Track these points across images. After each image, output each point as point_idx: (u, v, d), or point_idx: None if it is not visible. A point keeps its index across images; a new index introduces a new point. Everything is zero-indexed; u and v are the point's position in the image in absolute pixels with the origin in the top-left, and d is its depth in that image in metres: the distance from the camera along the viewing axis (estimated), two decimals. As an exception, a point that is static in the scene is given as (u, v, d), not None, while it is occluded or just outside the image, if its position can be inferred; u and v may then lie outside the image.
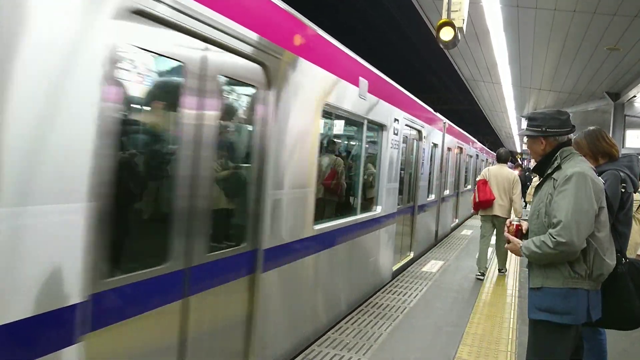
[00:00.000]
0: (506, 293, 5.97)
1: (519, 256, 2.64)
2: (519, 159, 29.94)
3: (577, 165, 2.45)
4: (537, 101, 15.36)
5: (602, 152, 3.07)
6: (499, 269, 6.96)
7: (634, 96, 11.42)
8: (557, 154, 2.56)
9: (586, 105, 13.74)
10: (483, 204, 6.64)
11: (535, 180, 10.17)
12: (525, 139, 3.33)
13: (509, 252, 6.86)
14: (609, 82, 11.40)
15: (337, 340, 4.12)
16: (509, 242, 2.68)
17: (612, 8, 6.69)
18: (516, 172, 7.88)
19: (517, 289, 6.20)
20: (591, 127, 3.23)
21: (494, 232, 6.75)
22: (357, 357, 3.81)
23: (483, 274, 6.67)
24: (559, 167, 2.51)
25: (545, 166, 2.61)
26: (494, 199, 6.57)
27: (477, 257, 6.80)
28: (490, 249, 6.98)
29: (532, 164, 3.16)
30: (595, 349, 3.20)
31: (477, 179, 6.98)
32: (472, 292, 5.95)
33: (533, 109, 17.66)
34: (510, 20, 7.75)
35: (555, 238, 2.31)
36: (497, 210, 6.58)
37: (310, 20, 3.72)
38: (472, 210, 7.54)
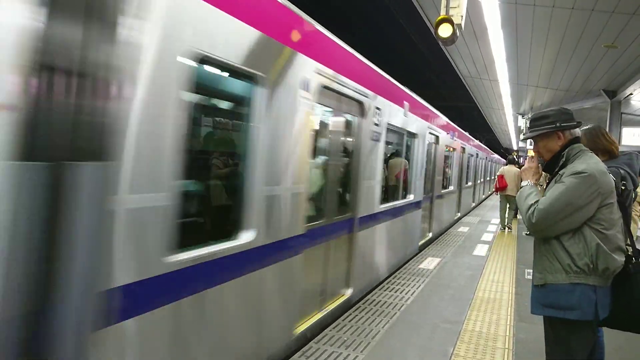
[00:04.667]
0: (503, 290, 5.98)
1: (534, 173, 2.71)
2: (514, 157, 29.84)
3: (584, 163, 2.42)
4: (533, 98, 15.37)
5: (601, 149, 3.05)
6: (507, 226, 11.51)
7: (631, 94, 11.46)
8: (565, 151, 2.53)
9: (582, 102, 13.77)
10: (502, 189, 11.46)
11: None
12: (529, 142, 3.31)
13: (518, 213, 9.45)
14: (606, 79, 11.42)
15: (335, 338, 4.12)
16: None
17: (610, 5, 6.69)
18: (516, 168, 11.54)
19: (514, 286, 6.22)
20: (590, 125, 3.21)
21: (507, 205, 11.57)
22: (355, 355, 3.80)
23: (506, 227, 11.49)
24: (564, 165, 2.49)
25: (555, 164, 2.57)
26: (507, 185, 11.29)
27: (499, 219, 11.92)
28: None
29: (528, 162, 3.03)
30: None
31: (497, 174, 11.93)
32: (469, 289, 5.95)
33: (530, 106, 17.67)
34: (508, 17, 7.73)
35: (533, 209, 2.42)
36: (509, 192, 11.20)
37: (305, 12, 3.78)
38: (495, 191, 12.54)
